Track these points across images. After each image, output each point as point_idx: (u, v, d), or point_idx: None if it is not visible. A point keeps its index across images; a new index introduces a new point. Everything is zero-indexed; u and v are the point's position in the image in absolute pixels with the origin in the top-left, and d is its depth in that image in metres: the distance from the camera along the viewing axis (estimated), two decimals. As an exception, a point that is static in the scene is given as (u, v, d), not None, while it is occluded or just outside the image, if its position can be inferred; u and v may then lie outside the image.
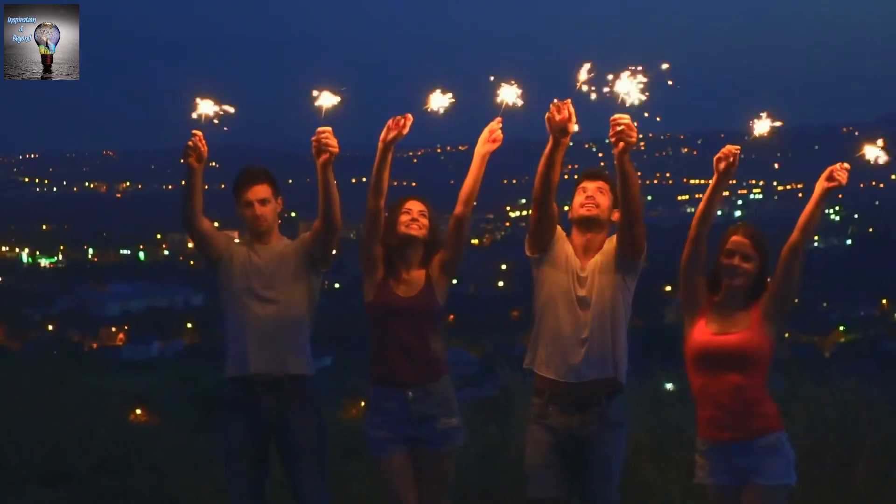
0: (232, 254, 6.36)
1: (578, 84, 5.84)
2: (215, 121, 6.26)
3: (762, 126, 5.90)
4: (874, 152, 5.74)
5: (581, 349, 5.94)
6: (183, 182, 6.31)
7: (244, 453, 6.27)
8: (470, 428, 9.19)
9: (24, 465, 9.22)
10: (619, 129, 5.72)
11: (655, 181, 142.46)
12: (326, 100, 6.06)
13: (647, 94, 5.78)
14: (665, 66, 5.81)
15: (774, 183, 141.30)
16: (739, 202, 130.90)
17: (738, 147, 5.76)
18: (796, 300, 5.92)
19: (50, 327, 67.47)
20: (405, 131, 6.04)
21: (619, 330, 6.01)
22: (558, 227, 6.13)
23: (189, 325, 65.37)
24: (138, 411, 23.55)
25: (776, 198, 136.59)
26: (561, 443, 5.97)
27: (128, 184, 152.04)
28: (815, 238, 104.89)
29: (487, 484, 8.25)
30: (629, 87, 5.78)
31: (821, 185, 5.72)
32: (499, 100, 6.05)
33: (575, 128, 5.84)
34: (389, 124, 6.04)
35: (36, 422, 9.96)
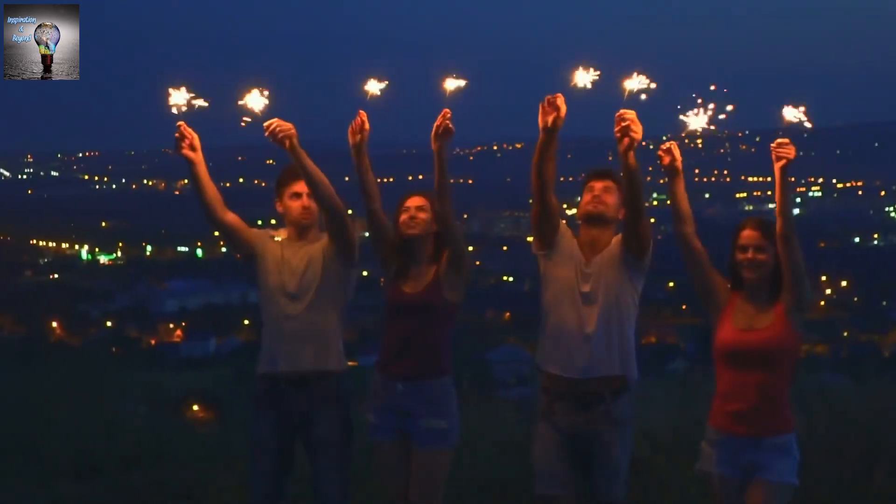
0: (266, 250, 6.34)
1: (573, 83, 5.93)
2: (198, 103, 6.22)
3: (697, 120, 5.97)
4: (792, 113, 5.80)
5: (586, 346, 5.96)
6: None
7: (269, 449, 6.27)
8: (502, 425, 9.23)
9: (56, 459, 9.30)
10: (624, 124, 5.74)
11: (713, 178, 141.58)
12: (254, 101, 6.10)
13: (652, 88, 5.83)
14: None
15: (834, 181, 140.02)
16: (798, 200, 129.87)
17: (674, 142, 5.86)
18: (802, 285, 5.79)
19: (109, 324, 68.06)
20: (367, 128, 6.11)
21: (626, 327, 6.03)
22: (563, 223, 6.19)
23: (246, 322, 65.60)
24: (195, 407, 23.70)
25: (836, 196, 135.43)
26: (566, 440, 6.01)
27: (186, 181, 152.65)
28: (875, 236, 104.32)
29: (506, 480, 8.22)
30: (636, 83, 5.84)
31: (775, 167, 5.65)
32: (447, 89, 6.06)
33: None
34: (350, 129, 6.10)
35: (74, 416, 10.04)
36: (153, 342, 63.85)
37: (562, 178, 6.23)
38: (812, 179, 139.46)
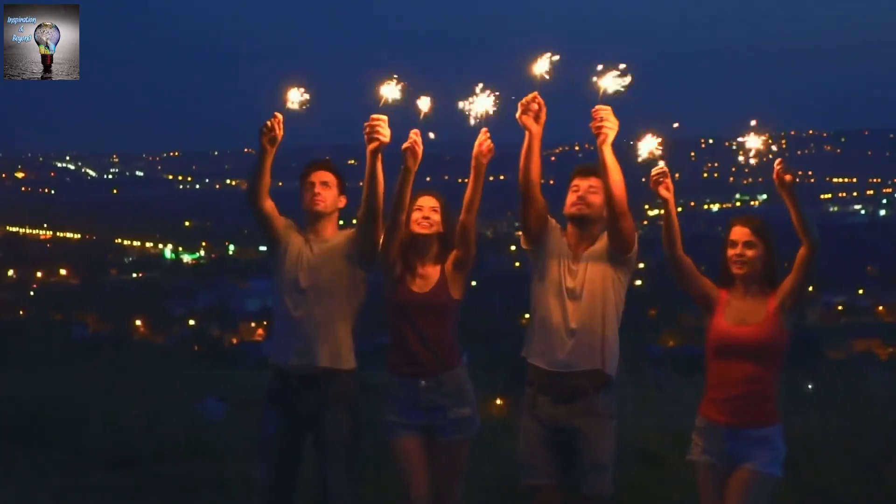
0: (289, 243, 6.43)
1: (540, 75, 6.00)
2: (301, 107, 6.35)
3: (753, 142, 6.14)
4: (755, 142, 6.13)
5: (569, 340, 6.08)
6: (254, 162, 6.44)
7: (275, 445, 6.35)
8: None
9: (93, 450, 9.57)
10: (599, 119, 5.85)
11: (797, 180, 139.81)
12: (389, 92, 6.11)
13: (627, 84, 5.87)
14: (622, 66, 5.88)
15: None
16: (884, 201, 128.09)
17: (664, 168, 5.97)
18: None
19: (191, 322, 68.70)
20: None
21: (610, 322, 6.13)
22: (551, 220, 6.31)
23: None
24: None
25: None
26: (548, 433, 6.14)
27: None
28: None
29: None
30: (608, 80, 5.88)
31: (779, 190, 5.81)
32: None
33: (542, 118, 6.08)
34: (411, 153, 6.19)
35: (118, 410, 10.22)
36: (235, 341, 64.37)
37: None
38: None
